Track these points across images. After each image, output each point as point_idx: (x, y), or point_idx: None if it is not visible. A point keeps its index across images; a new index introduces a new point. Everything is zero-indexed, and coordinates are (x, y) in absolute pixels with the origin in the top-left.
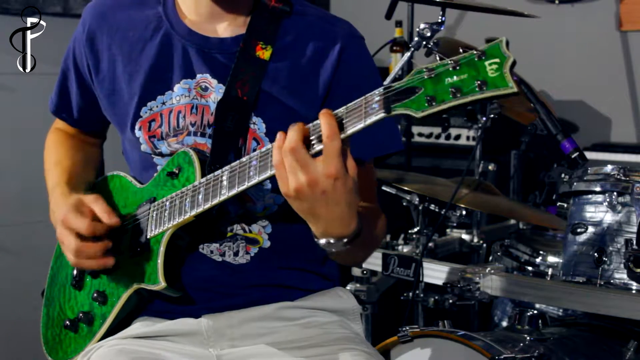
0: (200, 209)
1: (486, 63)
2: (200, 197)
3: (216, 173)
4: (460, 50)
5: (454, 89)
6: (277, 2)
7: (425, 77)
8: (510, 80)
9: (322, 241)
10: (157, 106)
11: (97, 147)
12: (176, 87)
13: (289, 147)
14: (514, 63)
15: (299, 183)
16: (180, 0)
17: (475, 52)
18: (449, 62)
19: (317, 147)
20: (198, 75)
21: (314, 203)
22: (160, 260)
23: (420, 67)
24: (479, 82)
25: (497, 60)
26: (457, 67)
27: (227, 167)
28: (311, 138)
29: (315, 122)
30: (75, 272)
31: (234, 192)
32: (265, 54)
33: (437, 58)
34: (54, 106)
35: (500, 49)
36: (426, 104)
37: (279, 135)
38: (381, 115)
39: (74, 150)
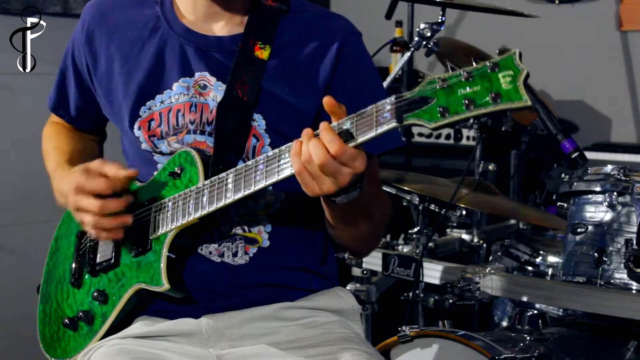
0: (204, 212)
1: (499, 75)
2: (204, 199)
3: (221, 176)
4: (473, 61)
5: (467, 100)
6: (274, 0)
7: (438, 87)
8: (524, 94)
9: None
10: (155, 105)
11: (96, 142)
12: (175, 86)
13: (319, 163)
14: (527, 76)
15: (327, 187)
16: (178, 0)
17: (488, 63)
18: (462, 72)
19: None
20: (197, 74)
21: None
22: (163, 262)
23: (432, 77)
24: (492, 94)
25: (510, 72)
26: (470, 79)
27: (232, 170)
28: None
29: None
30: (73, 268)
31: (239, 195)
32: (263, 53)
33: (449, 68)
34: (52, 104)
35: (514, 62)
36: (439, 115)
37: (296, 144)
38: (393, 124)
39: (72, 139)
